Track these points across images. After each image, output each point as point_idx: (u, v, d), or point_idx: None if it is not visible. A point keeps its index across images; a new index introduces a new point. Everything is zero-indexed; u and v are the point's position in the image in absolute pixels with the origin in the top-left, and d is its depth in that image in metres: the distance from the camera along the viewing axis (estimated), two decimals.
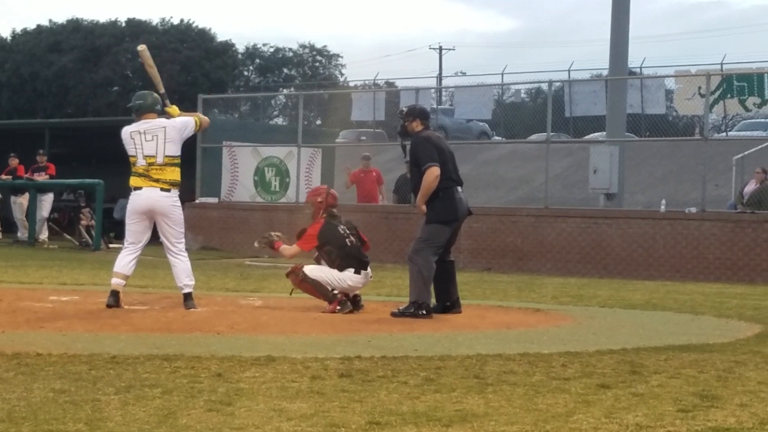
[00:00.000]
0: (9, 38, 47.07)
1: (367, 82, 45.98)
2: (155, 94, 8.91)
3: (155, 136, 8.62)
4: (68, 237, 20.47)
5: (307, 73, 53.78)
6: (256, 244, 9.49)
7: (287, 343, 6.96)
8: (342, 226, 9.19)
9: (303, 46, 54.61)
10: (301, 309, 9.08)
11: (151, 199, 8.64)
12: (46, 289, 10.72)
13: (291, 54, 54.22)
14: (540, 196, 18.92)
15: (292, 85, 50.70)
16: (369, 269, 9.16)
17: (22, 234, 20.52)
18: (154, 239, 8.99)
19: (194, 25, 47.12)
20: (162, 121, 8.75)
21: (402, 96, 25.93)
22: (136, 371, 5.60)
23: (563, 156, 25.99)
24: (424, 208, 8.85)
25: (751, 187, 16.70)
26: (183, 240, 8.83)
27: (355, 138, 31.92)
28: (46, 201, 20.47)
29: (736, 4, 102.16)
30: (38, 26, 47.19)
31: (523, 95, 42.97)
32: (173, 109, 8.91)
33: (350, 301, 9.04)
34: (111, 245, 18.91)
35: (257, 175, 20.67)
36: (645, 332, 8.35)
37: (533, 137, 23.91)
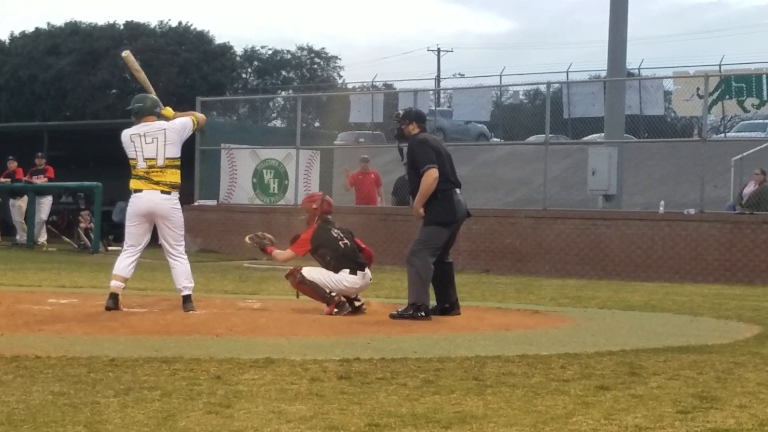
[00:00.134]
0: (7, 41, 47.10)
1: (365, 84, 46.01)
2: (155, 97, 8.92)
3: (155, 139, 8.63)
4: (67, 240, 20.46)
5: (305, 75, 53.80)
6: (247, 240, 9.47)
7: (286, 345, 6.95)
8: (336, 230, 9.20)
9: (301, 49, 54.67)
10: (299, 311, 9.08)
11: (151, 202, 8.64)
12: (45, 291, 10.71)
13: (289, 56, 54.26)
14: (539, 198, 18.93)
15: (291, 88, 50.71)
16: (367, 271, 9.16)
17: (21, 237, 20.51)
18: (153, 242, 9.00)
19: (192, 27, 47.18)
20: (162, 123, 8.75)
21: (400, 98, 25.94)
22: (135, 374, 5.59)
23: (562, 157, 26.00)
24: (421, 211, 8.84)
25: (749, 188, 16.72)
26: (183, 242, 8.84)
27: (354, 140, 31.95)
28: (45, 204, 20.46)
29: (735, 5, 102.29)
30: (36, 29, 47.24)
31: (521, 97, 43.00)
32: (167, 110, 8.92)
33: (349, 304, 9.04)
34: (109, 248, 18.92)
35: (256, 177, 20.67)
36: (644, 333, 8.35)
37: (532, 139, 23.94)
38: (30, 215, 20.19)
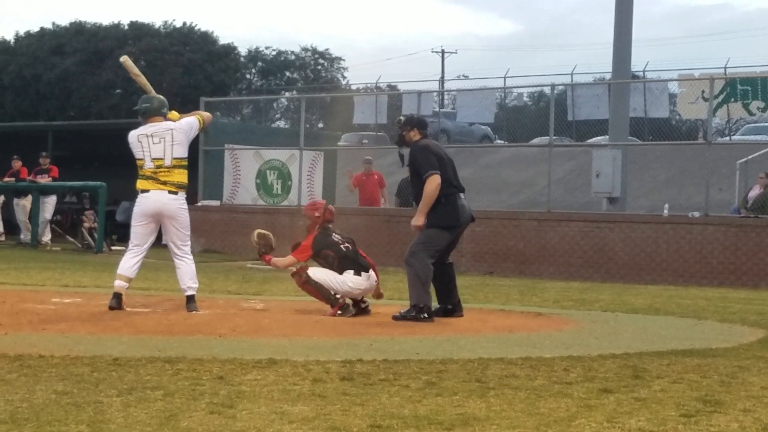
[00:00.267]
0: (12, 41, 47.13)
1: (369, 85, 46.04)
2: (162, 98, 8.93)
3: (162, 139, 8.65)
4: (71, 239, 20.48)
5: (309, 76, 53.78)
6: (255, 237, 9.41)
7: (289, 346, 6.95)
8: (336, 235, 9.21)
9: (305, 49, 54.64)
10: (302, 312, 9.08)
11: (159, 202, 8.65)
12: (49, 291, 10.72)
13: (293, 57, 54.25)
14: (542, 200, 18.90)
15: (294, 88, 50.70)
16: (372, 272, 9.15)
17: (25, 236, 20.53)
18: (156, 242, 9.00)
19: (197, 28, 47.14)
20: (169, 123, 8.77)
21: (404, 99, 25.97)
22: (138, 373, 5.59)
23: (566, 160, 25.97)
24: (421, 222, 8.79)
25: (755, 191, 16.69)
26: (188, 242, 8.86)
27: (357, 141, 31.94)
28: (49, 203, 20.49)
29: (741, 7, 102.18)
30: (41, 29, 47.23)
31: (525, 99, 42.99)
32: (173, 114, 8.94)
33: (354, 306, 9.03)
34: (113, 248, 18.93)
35: (259, 178, 20.68)
36: (647, 337, 8.34)
37: (536, 141, 23.91)
38: (34, 215, 20.21)
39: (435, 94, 32.66)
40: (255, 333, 7.72)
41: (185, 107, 9.20)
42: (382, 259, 14.23)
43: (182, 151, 8.74)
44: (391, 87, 46.04)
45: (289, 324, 8.28)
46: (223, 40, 47.49)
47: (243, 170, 20.66)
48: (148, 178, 8.68)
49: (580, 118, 20.96)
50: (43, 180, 20.39)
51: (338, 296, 8.96)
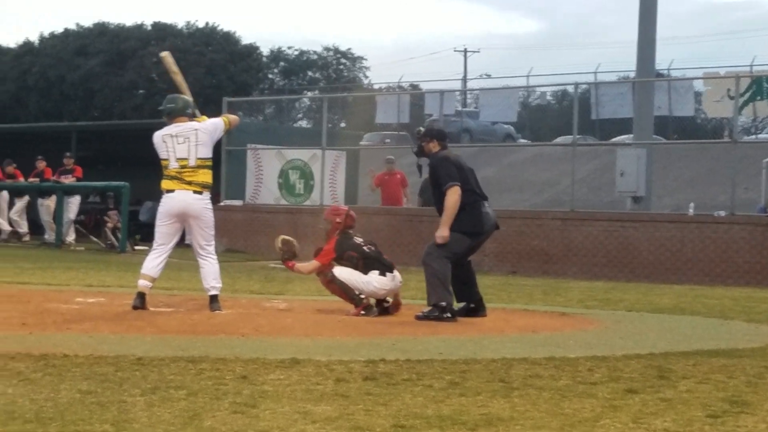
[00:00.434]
0: (37, 42, 47.47)
1: (391, 84, 46.02)
2: (187, 98, 8.94)
3: (187, 139, 8.67)
4: (94, 239, 20.59)
5: (331, 75, 53.84)
6: (279, 243, 9.40)
7: (312, 346, 6.94)
8: (358, 238, 9.19)
9: (327, 49, 54.70)
10: (325, 312, 9.07)
11: (184, 202, 8.67)
12: (73, 290, 10.77)
13: (315, 57, 54.31)
14: (566, 199, 18.82)
15: (317, 88, 50.77)
16: (397, 273, 9.13)
17: (49, 236, 20.67)
18: (180, 242, 9.02)
19: (219, 28, 47.31)
20: (193, 124, 8.80)
21: (427, 99, 25.93)
22: (161, 373, 5.60)
23: (590, 159, 25.86)
24: (447, 233, 8.74)
25: None
26: (213, 242, 8.87)
27: (380, 140, 31.93)
28: (73, 203, 20.61)
29: (766, 5, 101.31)
30: (65, 30, 47.56)
31: (548, 97, 42.88)
32: (202, 118, 8.96)
33: (378, 305, 9.02)
34: (136, 247, 19.01)
35: (281, 177, 20.70)
36: (673, 337, 8.28)
37: (559, 140, 23.87)
38: (58, 215, 20.33)
39: (457, 93, 32.64)
40: (278, 333, 7.72)
41: (208, 107, 9.22)
42: (404, 259, 14.19)
43: (206, 152, 8.76)
44: (414, 86, 46.02)
45: (312, 324, 8.27)
46: (245, 40, 47.68)
47: (265, 170, 20.70)
48: (172, 178, 8.70)
49: (604, 116, 20.85)
50: (67, 180, 20.52)
51: (362, 296, 8.94)
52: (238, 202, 20.42)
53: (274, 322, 8.32)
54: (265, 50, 50.93)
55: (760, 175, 19.49)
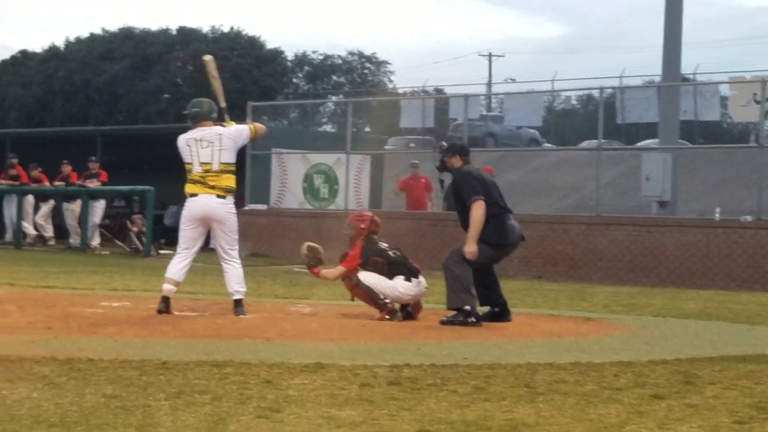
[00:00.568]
0: (62, 46, 47.83)
1: (416, 89, 46.02)
2: (211, 102, 8.97)
3: (211, 144, 8.70)
4: (119, 243, 20.69)
5: (356, 80, 53.88)
6: (304, 250, 9.41)
7: (336, 351, 6.94)
8: (383, 243, 9.19)
9: (352, 53, 54.72)
10: (349, 316, 9.07)
11: (207, 206, 8.70)
12: (98, 294, 10.82)
13: (340, 61, 54.37)
14: (591, 204, 18.73)
15: (341, 92, 50.84)
16: (422, 278, 9.11)
17: (75, 240, 20.79)
18: (204, 246, 9.05)
19: (244, 32, 47.45)
20: (218, 128, 8.83)
21: (451, 103, 25.92)
22: (186, 377, 5.61)
23: (615, 163, 25.75)
24: (474, 248, 8.72)
25: None
26: (236, 246, 8.89)
27: (404, 145, 31.94)
28: (98, 207, 20.73)
29: None
30: (91, 34, 47.87)
31: (573, 102, 42.75)
32: (229, 124, 8.98)
33: (402, 310, 9.00)
34: (161, 251, 19.09)
35: (306, 182, 20.74)
36: (699, 342, 8.22)
37: (584, 144, 23.77)
38: (83, 219, 20.45)
39: (482, 97, 32.56)
40: (302, 337, 7.72)
41: (232, 112, 9.21)
42: (429, 263, 14.17)
43: (230, 157, 8.78)
44: (438, 90, 45.97)
45: (336, 328, 8.27)
46: (270, 45, 47.76)
47: (290, 174, 20.74)
48: (196, 182, 8.73)
49: (630, 121, 20.77)
50: (92, 184, 20.63)
51: (387, 301, 8.93)
52: (262, 207, 20.46)
53: (298, 326, 8.33)
54: (289, 55, 51.04)
55: None
